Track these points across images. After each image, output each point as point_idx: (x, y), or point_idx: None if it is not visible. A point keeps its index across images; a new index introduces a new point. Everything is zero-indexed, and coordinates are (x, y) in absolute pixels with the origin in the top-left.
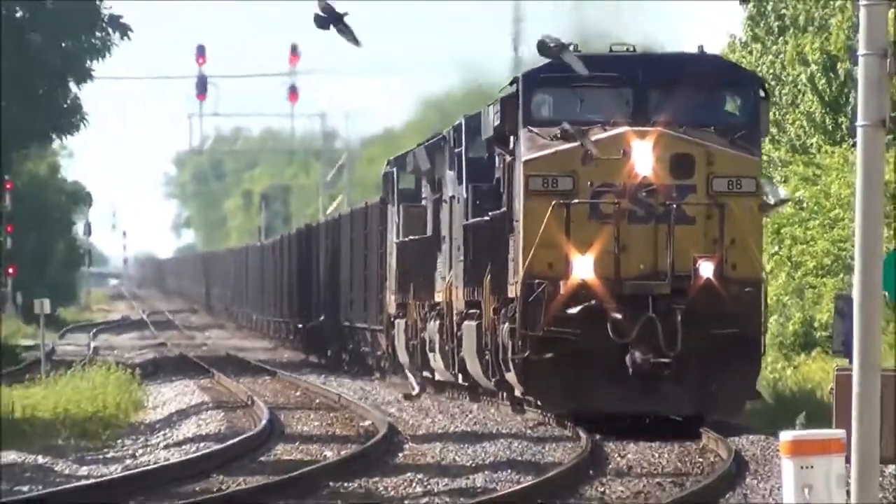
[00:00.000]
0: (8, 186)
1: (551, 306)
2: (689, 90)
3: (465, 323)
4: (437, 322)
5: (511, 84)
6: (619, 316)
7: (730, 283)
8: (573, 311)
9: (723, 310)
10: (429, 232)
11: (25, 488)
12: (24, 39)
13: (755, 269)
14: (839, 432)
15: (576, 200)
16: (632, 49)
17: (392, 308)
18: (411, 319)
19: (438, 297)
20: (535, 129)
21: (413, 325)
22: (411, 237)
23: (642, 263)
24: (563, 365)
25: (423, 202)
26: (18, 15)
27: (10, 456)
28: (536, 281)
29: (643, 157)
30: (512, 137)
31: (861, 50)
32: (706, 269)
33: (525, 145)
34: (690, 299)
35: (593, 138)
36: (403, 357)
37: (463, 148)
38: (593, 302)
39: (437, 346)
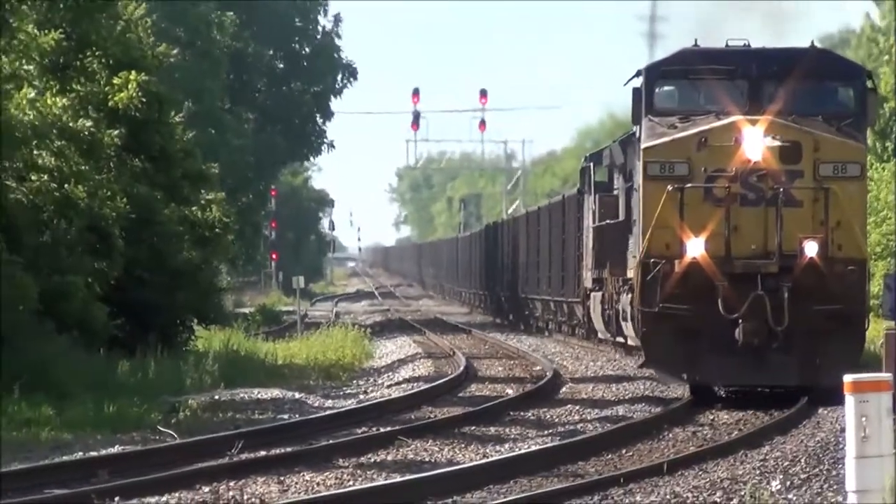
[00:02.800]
0: (273, 193)
1: (666, 284)
2: (799, 82)
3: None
4: (629, 295)
5: (636, 76)
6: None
7: (834, 263)
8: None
9: (827, 287)
10: (621, 216)
11: (286, 416)
12: (287, 86)
13: (860, 249)
14: (887, 375)
15: (689, 185)
16: (747, 44)
17: (588, 283)
18: (607, 293)
19: (630, 273)
20: (655, 119)
21: (609, 297)
22: (606, 221)
23: (754, 244)
24: (676, 339)
25: (615, 192)
26: (280, 65)
27: (274, 392)
28: (652, 260)
29: (754, 144)
30: (636, 127)
31: None
32: (811, 249)
33: (645, 133)
34: (796, 277)
35: (707, 127)
36: (599, 325)
37: None
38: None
39: (629, 316)
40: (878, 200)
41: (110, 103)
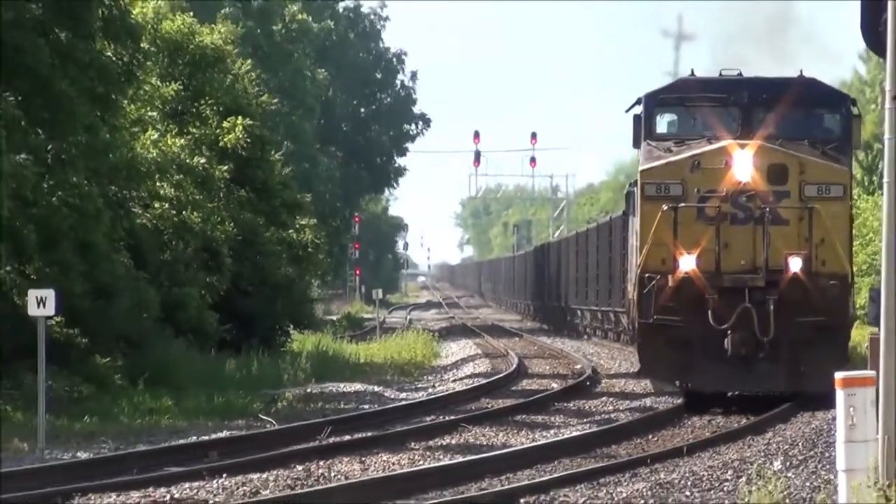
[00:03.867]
0: (356, 219)
1: (660, 297)
2: (787, 108)
3: None
4: None
5: (636, 104)
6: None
7: (818, 277)
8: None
9: (810, 300)
10: None
11: (367, 406)
12: (369, 130)
13: (842, 265)
14: (871, 373)
15: (683, 204)
16: (739, 73)
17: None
18: None
19: None
20: (653, 143)
21: None
22: None
23: (743, 260)
24: (670, 348)
25: None
26: (363, 111)
27: (357, 386)
28: (647, 275)
29: (743, 167)
30: (636, 150)
31: (886, 135)
32: (795, 265)
33: (644, 156)
34: (781, 291)
35: (699, 150)
36: None
37: None
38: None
39: None
40: (865, 226)
41: (220, 143)
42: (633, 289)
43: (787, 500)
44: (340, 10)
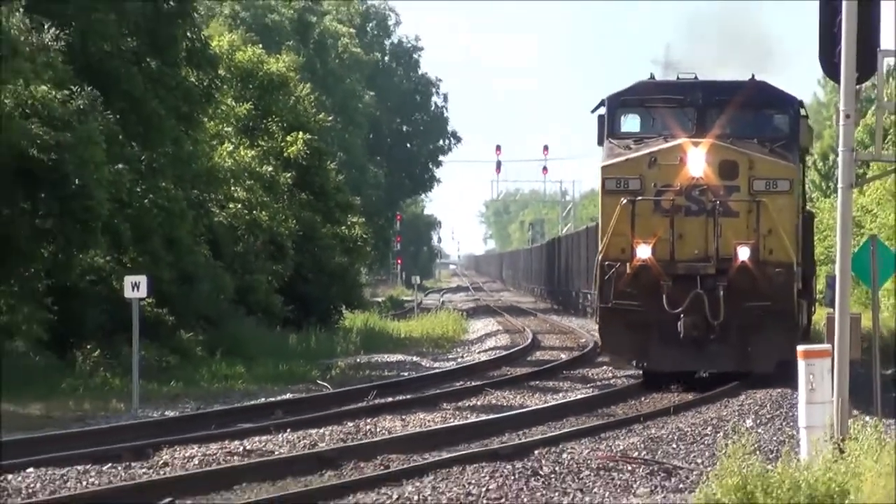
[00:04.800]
0: (398, 218)
1: (619, 283)
2: (739, 109)
3: None
4: None
5: (600, 105)
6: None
7: (765, 265)
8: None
9: (757, 286)
10: None
11: (406, 373)
12: (409, 144)
13: (788, 254)
14: (827, 346)
15: (640, 198)
16: (694, 76)
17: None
18: None
19: None
20: (615, 141)
21: None
22: None
23: (696, 249)
24: (628, 330)
25: None
26: (404, 128)
27: (398, 356)
28: (608, 263)
29: (697, 163)
30: (600, 148)
31: (840, 147)
32: (743, 253)
33: (605, 153)
34: (731, 278)
35: (656, 148)
36: None
37: None
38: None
39: None
40: (823, 224)
41: (285, 154)
42: (595, 275)
43: (758, 452)
44: (386, 44)
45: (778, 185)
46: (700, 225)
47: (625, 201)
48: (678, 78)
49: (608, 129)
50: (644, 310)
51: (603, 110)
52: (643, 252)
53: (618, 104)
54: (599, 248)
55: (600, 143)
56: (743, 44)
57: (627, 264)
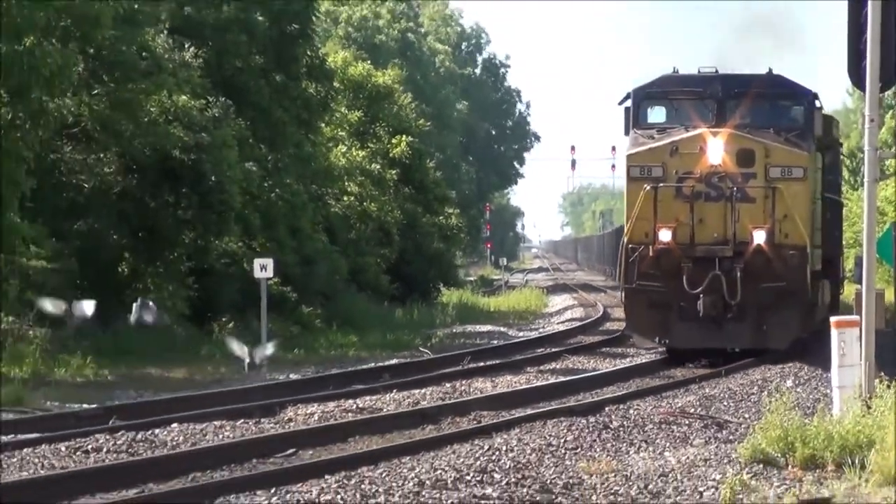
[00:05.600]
0: (487, 208)
1: (642, 265)
2: (756, 101)
3: None
4: None
5: (626, 98)
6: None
7: (781, 248)
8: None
9: (772, 268)
10: None
11: (495, 341)
12: (497, 145)
13: (802, 237)
14: (856, 318)
15: (662, 184)
16: (716, 70)
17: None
18: None
19: None
20: (639, 132)
21: None
22: None
23: (715, 232)
24: (651, 310)
25: None
26: (493, 132)
27: (488, 327)
28: (631, 246)
29: (716, 151)
30: (626, 138)
31: (866, 147)
32: (759, 237)
33: (630, 143)
34: (747, 260)
35: (678, 137)
36: None
37: None
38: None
39: None
40: (852, 213)
41: (390, 154)
42: (620, 258)
43: (797, 408)
44: (478, 60)
45: (793, 173)
46: (719, 210)
47: (648, 188)
48: (699, 72)
49: (633, 119)
50: (666, 290)
51: (629, 103)
52: (665, 236)
53: (643, 96)
54: (624, 232)
55: (626, 133)
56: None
57: (650, 247)
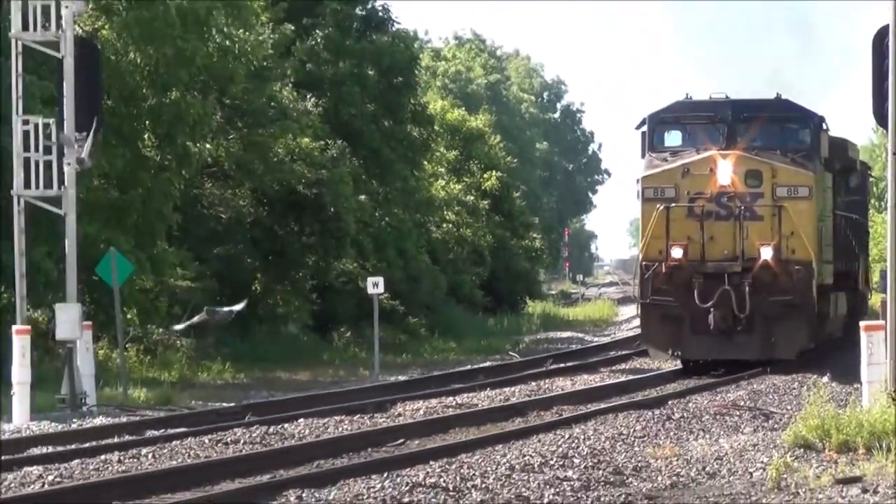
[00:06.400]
0: (566, 232)
1: (656, 281)
2: (764, 124)
3: None
4: None
5: (642, 123)
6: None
7: (787, 264)
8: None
9: (779, 282)
10: None
11: (574, 346)
12: (574, 178)
13: (808, 253)
14: (882, 322)
15: (674, 204)
16: (727, 96)
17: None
18: None
19: None
20: (654, 154)
21: None
22: None
23: (725, 250)
24: (665, 323)
25: None
26: (570, 167)
27: (567, 333)
28: (645, 264)
29: (725, 173)
30: (642, 160)
31: (889, 177)
32: (766, 253)
33: (645, 166)
34: (754, 275)
35: (689, 160)
36: None
37: None
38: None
39: None
40: (877, 233)
41: (482, 187)
42: (636, 274)
43: (832, 401)
44: (558, 106)
45: (798, 192)
46: (728, 228)
47: (661, 207)
48: (710, 98)
49: (649, 143)
50: (678, 305)
51: (645, 128)
52: (676, 253)
53: (657, 121)
54: (639, 250)
55: (643, 156)
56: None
57: (663, 264)
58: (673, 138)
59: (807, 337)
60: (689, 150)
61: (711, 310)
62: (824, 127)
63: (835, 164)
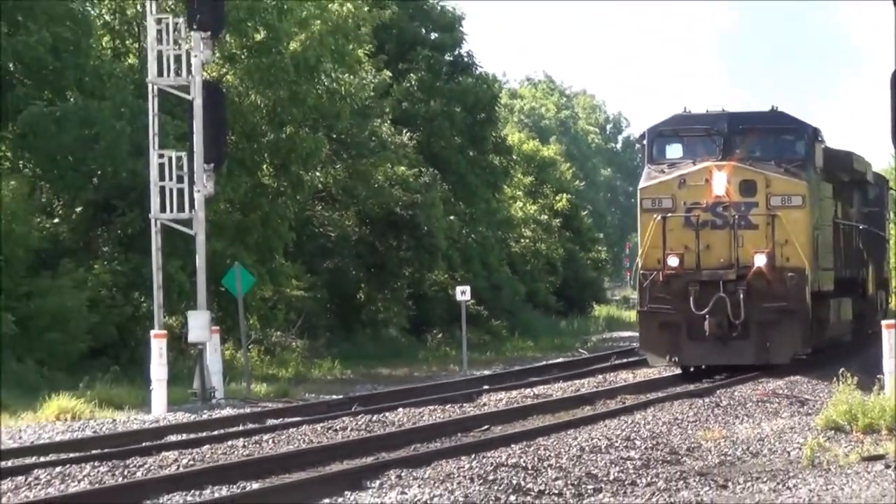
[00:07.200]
0: (627, 245)
1: (653, 289)
2: (759, 135)
3: None
4: None
5: (641, 137)
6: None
7: (781, 271)
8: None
9: (772, 289)
10: None
11: (635, 344)
12: (632, 199)
13: (801, 261)
14: None
15: (671, 214)
16: (723, 108)
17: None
18: None
19: None
20: (652, 166)
21: None
22: None
23: (721, 258)
24: (662, 330)
25: None
26: (630, 189)
27: (627, 333)
28: (643, 272)
29: (720, 183)
30: (641, 172)
31: None
32: (759, 260)
33: (644, 177)
34: (749, 282)
35: (686, 171)
36: None
37: None
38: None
39: None
40: (889, 244)
41: (555, 207)
42: (635, 283)
43: (858, 389)
44: (620, 137)
45: (792, 201)
46: (723, 237)
47: (658, 217)
48: (707, 111)
49: (648, 155)
50: (675, 312)
51: (644, 140)
52: (673, 261)
53: (656, 134)
54: (637, 260)
55: (641, 168)
56: None
57: (660, 273)
58: (672, 150)
59: (801, 342)
60: (687, 162)
61: (707, 316)
62: (819, 138)
63: (837, 175)
